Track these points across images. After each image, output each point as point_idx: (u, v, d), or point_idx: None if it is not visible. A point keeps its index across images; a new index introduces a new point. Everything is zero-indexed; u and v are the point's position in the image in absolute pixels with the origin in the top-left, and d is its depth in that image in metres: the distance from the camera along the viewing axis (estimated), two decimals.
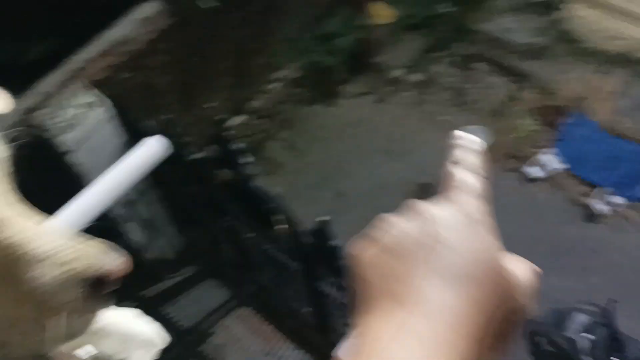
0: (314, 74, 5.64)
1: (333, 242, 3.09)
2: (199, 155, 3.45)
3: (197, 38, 4.11)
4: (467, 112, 5.81)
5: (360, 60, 5.93)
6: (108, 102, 3.35)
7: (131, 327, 0.81)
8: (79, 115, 3.28)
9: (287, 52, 5.17)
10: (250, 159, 3.32)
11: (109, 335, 0.74)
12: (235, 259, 4.39)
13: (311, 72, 5.60)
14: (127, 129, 3.56)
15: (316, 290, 3.56)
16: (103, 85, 3.57)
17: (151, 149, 1.66)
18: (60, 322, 0.54)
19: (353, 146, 5.68)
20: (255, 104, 5.18)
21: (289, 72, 5.36)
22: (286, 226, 3.35)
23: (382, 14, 6.00)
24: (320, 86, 5.84)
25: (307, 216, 4.01)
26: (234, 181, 3.39)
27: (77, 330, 0.58)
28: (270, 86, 5.23)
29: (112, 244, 0.61)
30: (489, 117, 5.72)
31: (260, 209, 3.39)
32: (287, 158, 5.65)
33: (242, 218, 3.73)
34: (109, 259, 0.58)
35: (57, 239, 0.55)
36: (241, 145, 3.20)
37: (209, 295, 4.84)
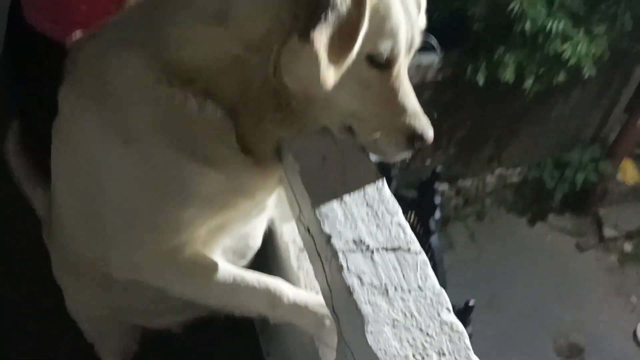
0: (532, 189, 5.65)
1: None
2: (402, 192, 3.72)
3: (459, 100, 4.42)
4: None
5: (581, 201, 5.80)
6: None
7: None
8: None
9: (521, 156, 5.27)
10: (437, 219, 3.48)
11: None
12: None
13: (530, 186, 5.62)
14: None
15: None
16: None
17: None
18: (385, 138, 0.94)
19: (528, 270, 5.54)
20: (466, 183, 5.35)
21: (511, 173, 5.45)
22: None
23: (630, 174, 5.81)
24: (532, 202, 5.82)
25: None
26: (416, 228, 3.59)
27: (384, 149, 0.98)
28: (488, 177, 5.36)
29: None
30: None
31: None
32: (462, 245, 5.70)
33: None
34: (430, 131, 0.94)
35: (416, 103, 0.95)
36: (440, 200, 3.40)
37: None
